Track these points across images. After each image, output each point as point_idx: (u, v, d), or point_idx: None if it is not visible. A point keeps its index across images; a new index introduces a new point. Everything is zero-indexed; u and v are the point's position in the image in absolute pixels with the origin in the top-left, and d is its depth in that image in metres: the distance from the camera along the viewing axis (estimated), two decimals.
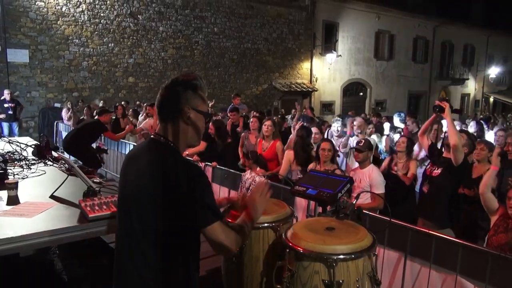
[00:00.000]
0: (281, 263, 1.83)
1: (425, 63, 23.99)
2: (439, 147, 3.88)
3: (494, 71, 27.87)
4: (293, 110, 12.71)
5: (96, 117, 7.10)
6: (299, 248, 1.67)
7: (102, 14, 13.30)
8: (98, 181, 3.26)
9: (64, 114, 11.06)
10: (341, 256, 1.60)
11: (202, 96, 1.63)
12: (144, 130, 7.40)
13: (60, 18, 12.52)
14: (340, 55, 19.42)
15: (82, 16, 12.92)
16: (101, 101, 12.12)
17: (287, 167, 4.65)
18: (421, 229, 3.13)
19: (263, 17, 17.00)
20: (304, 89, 18.12)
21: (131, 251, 1.55)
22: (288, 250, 1.71)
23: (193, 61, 15.30)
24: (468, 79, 26.63)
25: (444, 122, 4.44)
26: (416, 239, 3.12)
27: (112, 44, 13.59)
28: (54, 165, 3.68)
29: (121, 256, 1.61)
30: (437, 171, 3.62)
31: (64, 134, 10.74)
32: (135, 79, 14.26)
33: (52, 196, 2.71)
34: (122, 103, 10.35)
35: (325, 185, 2.00)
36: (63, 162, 3.72)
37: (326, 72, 19.33)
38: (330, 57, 18.82)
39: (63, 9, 12.53)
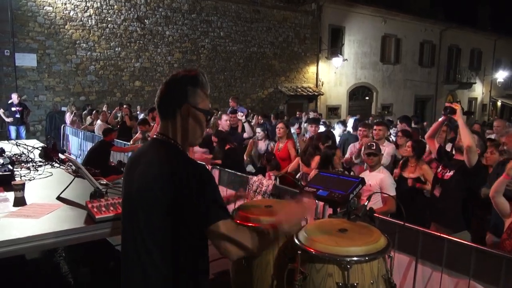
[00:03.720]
0: (292, 266, 1.78)
1: (431, 67, 23.89)
2: (446, 149, 3.81)
3: (501, 75, 27.68)
4: (298, 113, 12.69)
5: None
6: (311, 250, 1.62)
7: (109, 19, 13.39)
8: (105, 182, 3.24)
9: (68, 118, 11.12)
10: (355, 258, 1.55)
11: (203, 93, 1.58)
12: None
13: (68, 23, 12.63)
14: (346, 59, 19.38)
15: (89, 20, 13.01)
16: (105, 105, 12.16)
17: (296, 165, 4.73)
18: (433, 232, 3.07)
19: (269, 21, 17.03)
20: (310, 93, 18.08)
21: (138, 254, 1.50)
22: (300, 252, 1.66)
23: (199, 65, 15.33)
24: (475, 83, 26.46)
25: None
26: (427, 243, 3.06)
27: (119, 48, 13.67)
28: (61, 167, 3.67)
29: (127, 259, 1.57)
30: (449, 174, 3.55)
31: (71, 137, 10.80)
32: (142, 83, 14.32)
33: (59, 198, 2.69)
34: (124, 106, 10.37)
35: (336, 186, 1.95)
36: (70, 163, 3.71)
37: (332, 76, 19.29)
38: (336, 61, 18.79)
39: (71, 14, 12.64)
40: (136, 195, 1.54)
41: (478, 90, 27.36)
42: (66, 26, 12.60)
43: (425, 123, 14.45)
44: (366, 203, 1.86)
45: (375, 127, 5.16)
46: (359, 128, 5.57)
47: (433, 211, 3.66)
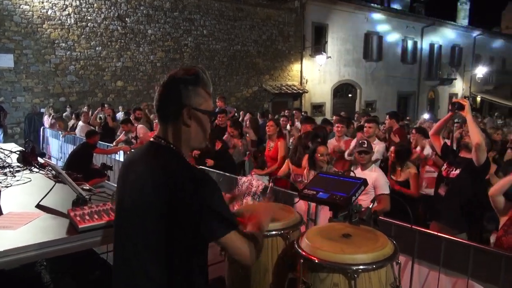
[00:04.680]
0: (293, 275, 1.67)
1: (413, 63, 24.13)
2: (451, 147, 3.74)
3: (481, 71, 28.17)
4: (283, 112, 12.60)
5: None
6: (315, 258, 1.51)
7: (89, 17, 13.04)
8: (88, 188, 3.07)
9: (46, 121, 10.78)
10: (363, 267, 1.45)
11: (205, 92, 1.46)
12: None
13: (46, 22, 12.24)
14: (330, 57, 19.39)
15: (68, 19, 12.64)
16: (86, 106, 11.84)
17: (286, 169, 4.56)
18: (429, 231, 3.00)
19: (253, 19, 16.89)
20: (295, 91, 18.03)
21: (132, 264, 1.39)
22: (302, 261, 1.55)
23: (183, 64, 15.09)
24: (455, 79, 26.87)
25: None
26: (423, 242, 3.00)
27: (100, 48, 13.33)
28: (41, 172, 3.48)
29: (120, 271, 1.44)
30: (455, 172, 3.48)
31: (51, 140, 10.48)
32: (124, 83, 14.01)
33: (39, 206, 2.51)
34: (106, 107, 10.11)
35: (337, 188, 1.85)
36: (50, 168, 3.51)
37: (316, 74, 19.29)
38: (320, 58, 18.78)
39: (49, 13, 12.25)
40: (131, 203, 1.42)
41: (459, 86, 27.78)
42: (44, 25, 12.21)
43: (408, 118, 14.58)
44: (370, 206, 1.76)
45: (366, 124, 5.10)
46: (336, 125, 5.49)
47: (434, 210, 3.57)
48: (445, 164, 3.62)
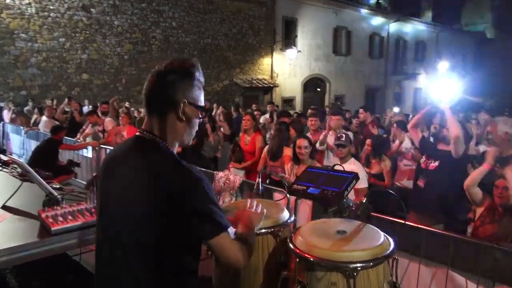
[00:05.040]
0: (287, 274, 1.60)
1: (380, 58, 24.65)
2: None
3: (443, 66, 29.14)
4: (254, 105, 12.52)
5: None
6: (311, 257, 1.45)
7: (51, 7, 12.44)
8: (58, 186, 2.89)
9: (6, 115, 10.22)
10: (361, 264, 1.39)
11: (200, 87, 1.38)
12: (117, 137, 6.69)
13: (4, 11, 11.57)
14: (300, 51, 19.47)
15: (29, 8, 12.01)
16: (49, 100, 11.31)
17: (263, 162, 4.50)
18: (410, 223, 3.01)
19: (223, 12, 16.68)
20: (266, 85, 18.01)
21: (119, 267, 1.28)
22: (298, 260, 1.48)
23: (151, 57, 14.71)
24: (420, 74, 27.67)
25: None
26: (404, 234, 3.01)
27: (63, 39, 12.77)
28: (4, 170, 3.25)
29: (106, 274, 1.34)
30: (434, 164, 3.53)
31: (11, 135, 9.95)
32: (90, 76, 13.50)
33: (4, 207, 2.33)
34: (73, 101, 9.70)
35: (327, 182, 1.79)
36: (15, 166, 3.29)
37: (287, 68, 19.33)
38: (291, 52, 18.82)
39: (7, 1, 11.60)
40: (117, 203, 1.31)
41: (423, 81, 28.64)
42: (2, 15, 11.53)
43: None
44: (364, 201, 1.72)
45: (332, 117, 5.16)
46: (310, 118, 5.50)
47: (413, 201, 3.61)
48: (424, 157, 3.67)
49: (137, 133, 1.39)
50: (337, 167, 1.88)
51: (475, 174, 3.09)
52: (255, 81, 17.72)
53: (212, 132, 6.11)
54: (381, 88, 25.40)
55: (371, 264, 1.42)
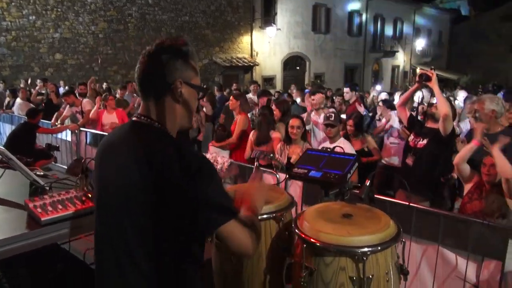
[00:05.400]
0: (291, 259, 1.58)
1: (359, 36, 24.64)
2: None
3: (420, 44, 29.44)
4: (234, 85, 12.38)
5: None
6: (319, 242, 1.42)
7: None
8: (42, 173, 2.77)
9: None
10: (371, 248, 1.38)
11: (194, 66, 1.31)
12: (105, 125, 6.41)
13: None
14: (280, 29, 19.23)
15: None
16: (23, 81, 10.86)
17: (250, 147, 4.44)
18: (401, 201, 3.04)
19: None
20: (246, 64, 17.78)
21: (121, 265, 1.23)
22: (305, 245, 1.45)
23: (127, 36, 14.25)
24: (398, 51, 27.88)
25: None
26: (395, 212, 3.04)
27: (34, 17, 12.17)
28: None
29: (106, 272, 1.29)
30: (423, 142, 3.54)
31: None
32: (63, 56, 12.98)
33: None
34: (38, 81, 9.31)
35: (329, 165, 1.76)
36: None
37: (267, 46, 19.10)
38: (270, 30, 18.57)
39: None
40: (116, 193, 1.24)
41: (400, 58, 28.88)
42: None
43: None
44: (367, 183, 1.69)
45: (312, 97, 5.15)
46: (312, 97, 5.46)
47: (403, 178, 3.62)
48: (412, 135, 3.68)
49: (134, 118, 1.32)
50: (337, 149, 1.85)
51: (465, 151, 3.12)
52: (235, 60, 17.46)
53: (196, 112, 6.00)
54: (360, 66, 25.50)
55: (379, 248, 1.40)
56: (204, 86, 1.42)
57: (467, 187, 3.24)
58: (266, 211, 1.68)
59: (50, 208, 1.97)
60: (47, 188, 2.25)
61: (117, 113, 6.31)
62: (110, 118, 6.17)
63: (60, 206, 2.01)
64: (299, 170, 1.79)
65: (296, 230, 1.52)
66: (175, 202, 1.17)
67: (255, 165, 2.15)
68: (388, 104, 5.23)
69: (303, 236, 1.47)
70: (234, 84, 11.42)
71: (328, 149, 1.80)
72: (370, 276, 1.39)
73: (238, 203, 1.45)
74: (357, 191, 1.71)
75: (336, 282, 1.40)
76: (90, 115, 6.44)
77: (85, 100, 6.83)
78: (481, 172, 3.05)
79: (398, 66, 28.97)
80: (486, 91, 12.53)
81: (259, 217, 1.58)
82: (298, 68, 21.66)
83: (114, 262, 1.26)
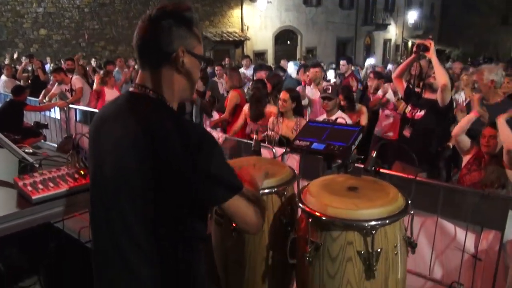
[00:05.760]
0: (294, 234, 1.52)
1: (351, 9, 24.24)
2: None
3: (412, 16, 29.11)
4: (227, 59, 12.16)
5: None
6: (325, 216, 1.37)
7: None
8: (31, 151, 2.66)
9: None
10: (379, 222, 1.32)
11: (197, 34, 1.21)
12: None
13: None
14: (270, 1, 18.80)
15: None
16: (8, 57, 10.52)
17: (241, 121, 4.35)
18: (400, 174, 3.00)
19: None
20: (236, 38, 17.45)
21: (121, 248, 1.16)
22: (311, 220, 1.39)
23: (114, 10, 13.81)
24: (389, 24, 27.57)
25: None
26: (394, 185, 3.02)
27: None
28: None
29: (105, 256, 1.22)
30: (420, 113, 3.48)
31: None
32: (48, 31, 12.56)
33: None
34: (23, 58, 9.04)
35: (332, 137, 1.68)
36: None
37: (257, 20, 18.71)
38: (261, 3, 18.15)
39: None
40: (111, 170, 1.16)
41: (392, 32, 28.60)
42: None
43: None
44: (373, 154, 1.63)
45: (311, 69, 5.05)
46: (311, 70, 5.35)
47: (398, 151, 3.58)
48: (409, 106, 3.61)
49: (130, 89, 1.22)
50: (340, 120, 1.77)
51: (464, 122, 3.08)
52: (225, 35, 17.11)
53: None
54: (352, 39, 25.21)
55: (388, 221, 1.35)
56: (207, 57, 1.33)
57: (466, 158, 3.21)
58: (268, 185, 1.61)
59: (41, 186, 1.89)
60: (37, 165, 2.16)
61: (116, 89, 6.24)
62: (113, 93, 6.03)
63: (51, 184, 1.92)
64: (300, 142, 1.72)
65: (301, 205, 1.46)
66: (176, 179, 1.10)
67: (254, 138, 2.07)
68: (379, 75, 5.16)
69: (309, 210, 1.41)
70: (227, 59, 11.20)
71: (331, 120, 1.72)
72: (379, 250, 1.34)
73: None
74: (361, 164, 1.65)
75: (343, 256, 1.36)
76: (93, 90, 6.32)
77: (74, 77, 6.63)
78: (480, 144, 3.02)
79: (390, 40, 28.71)
80: (476, 64, 12.50)
81: (261, 192, 1.52)
82: (289, 42, 21.32)
83: (113, 243, 1.18)
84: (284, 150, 2.08)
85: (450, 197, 2.90)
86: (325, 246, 1.38)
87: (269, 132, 3.69)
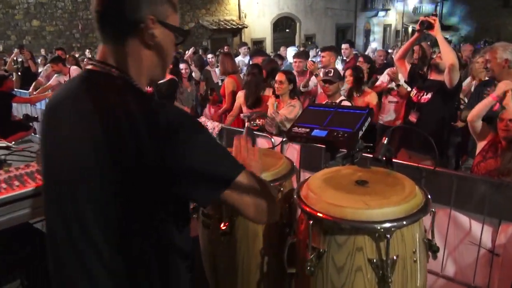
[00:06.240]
0: (293, 238, 1.29)
1: None
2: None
3: (412, 1, 28.60)
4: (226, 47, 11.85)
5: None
6: (329, 218, 1.13)
7: None
8: (4, 145, 2.42)
9: None
10: (395, 223, 1.08)
11: (172, 2, 0.96)
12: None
13: None
14: None
15: None
16: None
17: (237, 110, 4.09)
18: (409, 163, 2.75)
19: None
20: (234, 26, 17.08)
21: (77, 251, 0.94)
22: (312, 222, 1.15)
23: None
24: (389, 9, 27.12)
25: None
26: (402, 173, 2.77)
27: None
28: None
29: (60, 260, 0.99)
30: (427, 97, 3.21)
31: None
32: (41, 22, 12.23)
33: None
34: (16, 50, 8.77)
35: (336, 122, 1.44)
36: None
37: (255, 7, 18.32)
38: None
39: None
40: (65, 169, 0.93)
41: (392, 17, 28.15)
42: None
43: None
44: (385, 141, 1.38)
45: (320, 53, 4.80)
46: (294, 60, 5.12)
47: (404, 138, 3.32)
48: (414, 89, 3.34)
49: (89, 67, 0.97)
50: (344, 103, 1.52)
51: (481, 106, 2.81)
52: (222, 23, 16.74)
53: (188, 80, 5.57)
54: (351, 26, 24.80)
55: (405, 222, 1.11)
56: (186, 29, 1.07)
57: (481, 145, 2.96)
58: None
59: (4, 185, 1.65)
60: (3, 160, 1.92)
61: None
62: None
63: (16, 183, 1.69)
64: (299, 129, 1.47)
65: (300, 203, 1.22)
66: (145, 176, 0.86)
67: (246, 126, 1.82)
68: (368, 59, 4.94)
69: (309, 210, 1.17)
70: (226, 47, 10.90)
71: (334, 103, 1.47)
72: (394, 258, 1.11)
73: None
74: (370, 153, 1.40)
75: (351, 265, 1.12)
76: None
77: (73, 68, 6.36)
78: (498, 128, 2.77)
79: (390, 25, 28.28)
80: (478, 48, 12.15)
81: None
82: (288, 30, 20.93)
83: (71, 249, 0.95)
84: (282, 139, 1.83)
85: (463, 187, 2.66)
86: (330, 253, 1.14)
87: (271, 115, 3.43)
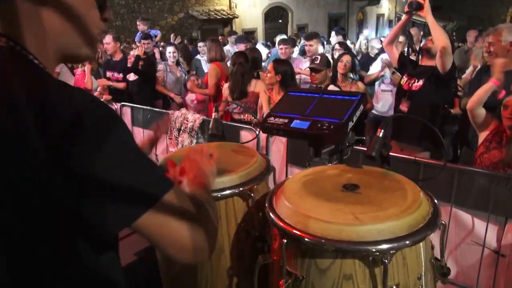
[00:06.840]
0: (264, 258, 1.01)
1: None
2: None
3: None
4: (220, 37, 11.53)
5: None
6: (308, 237, 0.85)
7: None
8: None
9: None
10: (395, 244, 0.81)
11: None
12: None
13: None
14: None
15: None
16: None
17: (226, 93, 3.81)
18: (404, 156, 2.49)
19: None
20: (224, 17, 16.72)
21: None
22: (285, 241, 0.88)
23: None
24: None
25: None
26: (399, 169, 2.50)
27: None
28: None
29: None
30: (418, 84, 2.93)
31: None
32: None
33: None
34: None
35: (321, 111, 1.16)
36: None
37: None
38: None
39: None
40: None
41: (385, 6, 27.92)
42: None
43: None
44: (380, 134, 1.11)
45: (306, 42, 4.55)
46: (280, 46, 4.86)
47: (394, 127, 3.04)
48: (404, 76, 3.05)
49: None
50: (331, 87, 1.24)
51: (481, 92, 2.54)
52: (213, 13, 16.37)
53: (177, 66, 5.26)
54: (344, 15, 24.55)
55: (408, 242, 0.83)
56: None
57: (483, 135, 2.70)
58: (227, 185, 1.09)
59: None
60: None
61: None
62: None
63: None
64: (275, 120, 1.19)
65: (271, 215, 0.94)
66: (36, 189, 0.58)
67: (213, 116, 1.53)
68: (345, 46, 4.69)
69: (282, 225, 0.89)
70: (220, 37, 10.56)
71: (319, 87, 1.19)
72: (394, 287, 0.84)
73: (178, 173, 0.87)
74: (363, 148, 1.13)
75: None
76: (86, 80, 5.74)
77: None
78: (502, 116, 2.51)
79: (383, 15, 28.07)
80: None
81: (219, 194, 1.00)
82: (280, 20, 20.61)
83: None
84: (256, 133, 1.55)
85: (465, 181, 2.40)
86: (309, 280, 0.87)
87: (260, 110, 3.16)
